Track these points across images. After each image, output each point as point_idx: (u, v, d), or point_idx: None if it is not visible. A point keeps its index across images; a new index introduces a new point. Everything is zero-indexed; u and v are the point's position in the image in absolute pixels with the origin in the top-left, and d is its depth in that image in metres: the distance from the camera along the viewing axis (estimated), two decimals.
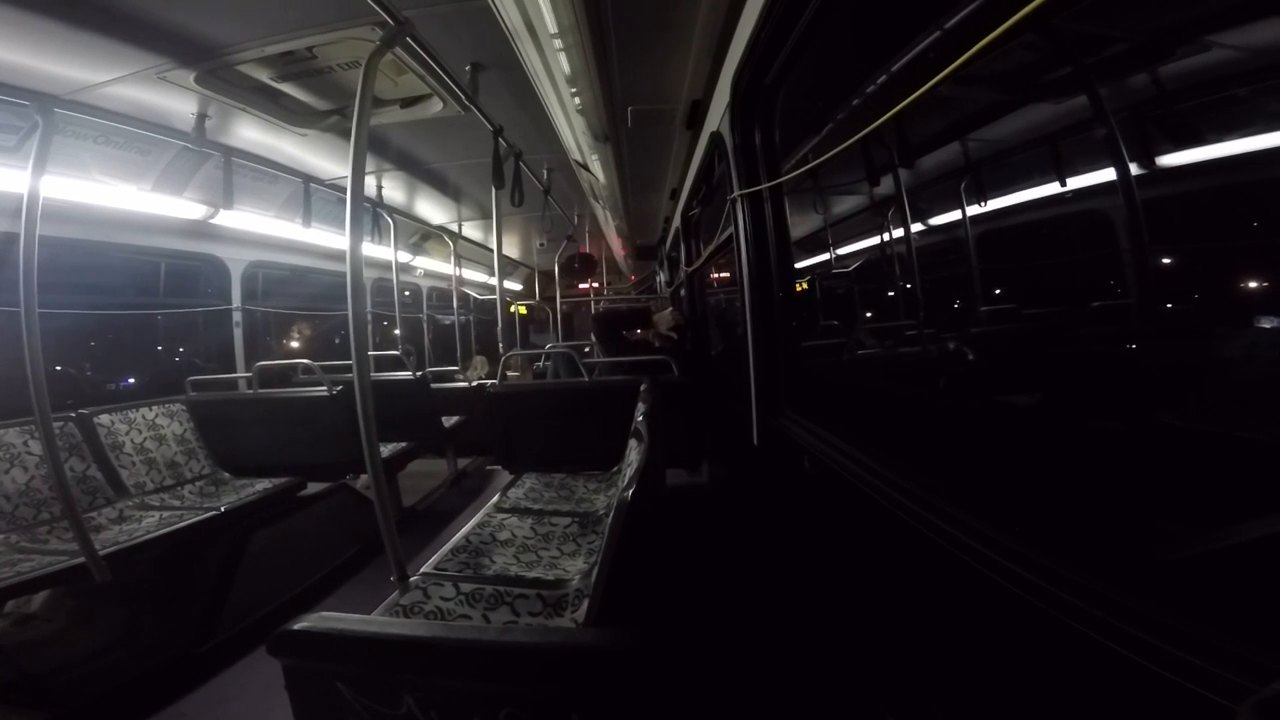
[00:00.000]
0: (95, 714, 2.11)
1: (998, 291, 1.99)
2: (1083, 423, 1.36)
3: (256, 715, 2.11)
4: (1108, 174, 1.21)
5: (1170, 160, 1.12)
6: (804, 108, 2.31)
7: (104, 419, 3.18)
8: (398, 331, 6.01)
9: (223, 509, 2.85)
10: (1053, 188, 1.49)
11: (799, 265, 2.85)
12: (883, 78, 1.80)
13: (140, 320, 4.64)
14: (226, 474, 3.59)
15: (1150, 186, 1.13)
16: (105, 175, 3.08)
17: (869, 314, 3.48)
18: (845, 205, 3.37)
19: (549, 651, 1.16)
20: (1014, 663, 0.94)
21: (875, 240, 3.01)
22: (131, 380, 4.77)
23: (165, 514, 2.88)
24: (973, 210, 1.93)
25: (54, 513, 2.74)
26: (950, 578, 1.09)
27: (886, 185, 2.51)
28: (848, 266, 3.64)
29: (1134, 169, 1.13)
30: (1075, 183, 1.40)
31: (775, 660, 2.18)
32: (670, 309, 4.85)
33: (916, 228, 2.39)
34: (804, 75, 2.08)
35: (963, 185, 1.93)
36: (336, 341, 6.67)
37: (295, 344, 6.11)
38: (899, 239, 2.53)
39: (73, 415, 3.05)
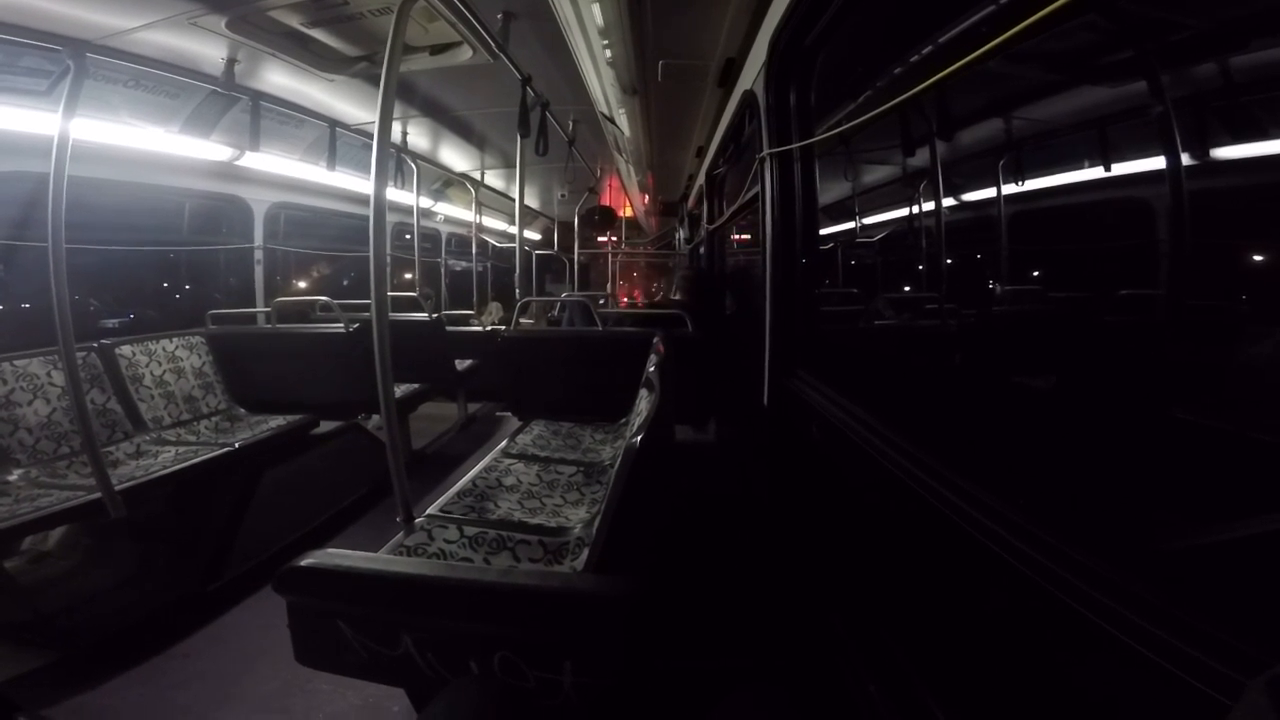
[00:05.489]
0: (103, 654, 2.13)
1: (1022, 273, 1.95)
2: (1098, 408, 1.35)
3: (258, 655, 2.14)
4: (1155, 163, 1.17)
5: (1219, 154, 1.08)
6: (843, 72, 2.23)
7: (125, 350, 3.20)
8: (409, 275, 6.00)
9: (236, 445, 2.88)
10: (1095, 172, 1.44)
11: (823, 232, 2.80)
12: (928, 48, 1.73)
13: (163, 257, 4.67)
14: (242, 410, 3.63)
15: (1194, 179, 1.09)
16: (134, 118, 3.08)
17: (889, 284, 3.43)
18: (875, 175, 3.29)
19: (546, 595, 1.19)
20: (1004, 645, 0.95)
21: (903, 212, 2.94)
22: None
23: (181, 449, 2.92)
24: (1008, 190, 1.88)
25: (73, 447, 2.76)
26: (943, 553, 1.09)
27: (919, 158, 2.44)
28: (872, 236, 3.57)
29: (1185, 159, 1.09)
30: (1120, 169, 1.36)
31: (768, 622, 2.22)
32: (681, 272, 4.82)
33: (948, 202, 2.33)
34: (845, 39, 1.99)
35: (1000, 164, 1.87)
36: (345, 284, 6.68)
37: (305, 284, 6.14)
38: (928, 213, 2.47)
39: (94, 345, 3.06)
